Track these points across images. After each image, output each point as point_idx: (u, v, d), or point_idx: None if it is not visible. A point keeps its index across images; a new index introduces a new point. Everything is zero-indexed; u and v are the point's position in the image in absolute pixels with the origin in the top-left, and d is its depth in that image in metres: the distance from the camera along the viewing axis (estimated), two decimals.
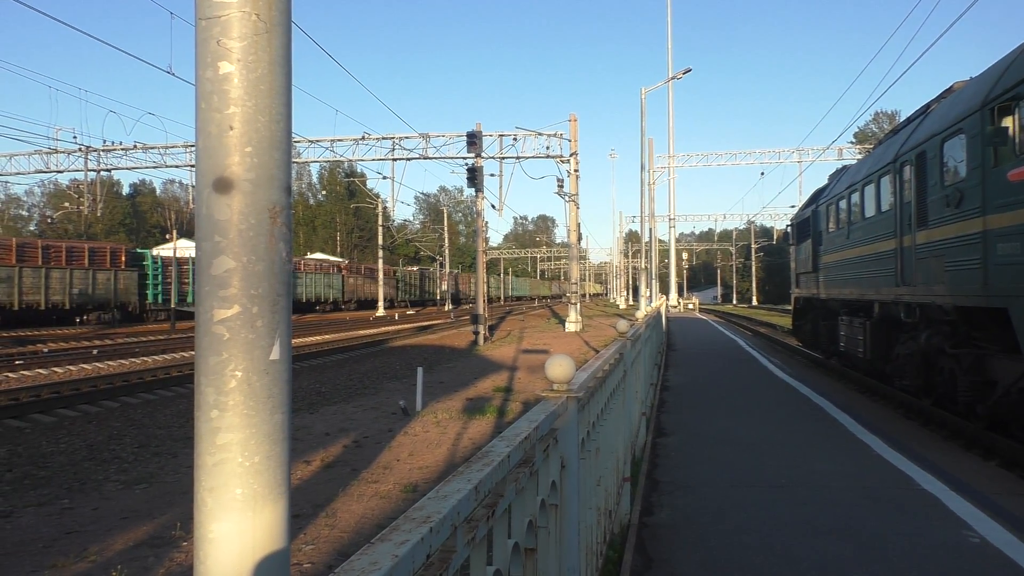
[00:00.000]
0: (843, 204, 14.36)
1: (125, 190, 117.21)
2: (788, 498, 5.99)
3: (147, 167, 37.55)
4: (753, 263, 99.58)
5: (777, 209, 67.01)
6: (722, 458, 7.46)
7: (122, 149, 36.78)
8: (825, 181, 18.86)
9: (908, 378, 11.01)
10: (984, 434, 8.35)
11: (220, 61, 1.14)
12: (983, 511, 5.54)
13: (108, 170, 38.56)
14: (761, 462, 7.23)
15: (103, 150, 36.83)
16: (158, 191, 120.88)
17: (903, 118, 13.06)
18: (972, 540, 4.93)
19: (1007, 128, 7.38)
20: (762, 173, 55.00)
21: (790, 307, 23.09)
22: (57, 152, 36.97)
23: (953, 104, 9.22)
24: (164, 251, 48.87)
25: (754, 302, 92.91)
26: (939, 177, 9.14)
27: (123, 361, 19.81)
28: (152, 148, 36.75)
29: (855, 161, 19.28)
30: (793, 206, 52.72)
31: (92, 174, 38.31)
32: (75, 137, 40.66)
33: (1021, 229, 7.03)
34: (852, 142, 72.74)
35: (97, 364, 19.03)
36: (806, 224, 18.26)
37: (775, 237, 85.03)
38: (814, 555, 4.69)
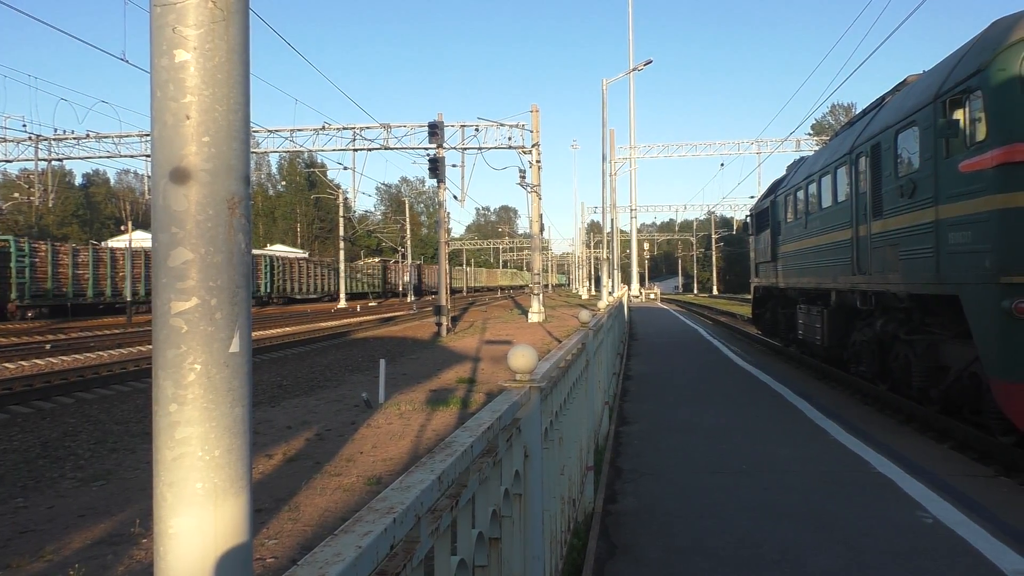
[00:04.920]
0: (801, 195, 14.60)
1: (78, 180, 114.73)
2: (749, 483, 6.09)
3: (101, 157, 36.70)
4: (713, 253, 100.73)
5: (737, 200, 67.94)
6: (684, 445, 7.56)
7: (74, 138, 35.89)
8: (783, 172, 19.15)
9: (864, 364, 11.26)
10: (937, 418, 8.58)
11: (176, 49, 1.12)
12: (936, 492, 5.70)
13: (60, 160, 37.59)
14: (723, 449, 7.34)
15: (54, 139, 35.89)
16: (112, 181, 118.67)
17: (859, 110, 13.30)
18: (926, 520, 5.07)
19: (958, 120, 7.56)
20: (722, 164, 55.53)
21: (750, 296, 23.42)
22: (6, 141, 35.94)
23: (907, 97, 9.41)
24: (119, 243, 47.79)
25: (715, 291, 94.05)
26: (893, 168, 9.33)
27: (77, 356, 19.37)
28: (106, 137, 35.92)
29: (812, 152, 19.58)
30: (752, 197, 53.39)
31: (43, 164, 37.33)
32: (24, 125, 39.68)
33: (972, 218, 7.21)
34: (810, 134, 73.94)
35: (50, 359, 18.59)
36: (765, 214, 18.52)
37: (735, 227, 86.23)
38: (775, 538, 4.79)
